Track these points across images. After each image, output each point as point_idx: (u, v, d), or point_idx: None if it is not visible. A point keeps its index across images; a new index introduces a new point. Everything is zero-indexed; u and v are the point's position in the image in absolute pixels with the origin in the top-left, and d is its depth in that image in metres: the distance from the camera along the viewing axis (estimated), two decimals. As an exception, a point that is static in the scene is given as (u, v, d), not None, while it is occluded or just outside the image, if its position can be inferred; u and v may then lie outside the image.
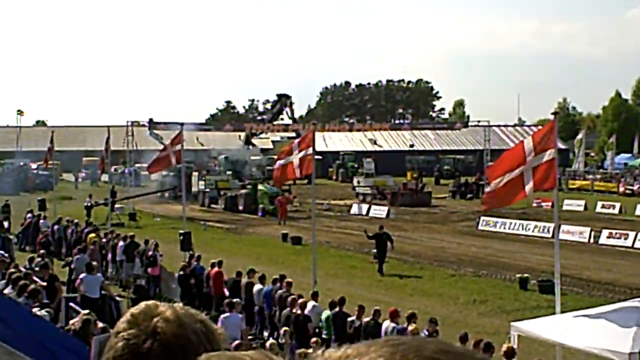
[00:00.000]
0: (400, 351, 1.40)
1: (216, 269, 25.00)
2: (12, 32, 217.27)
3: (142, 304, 2.24)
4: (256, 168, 68.25)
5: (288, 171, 23.34)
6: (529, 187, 16.48)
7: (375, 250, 34.89)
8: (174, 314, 2.15)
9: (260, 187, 58.35)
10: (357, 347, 1.44)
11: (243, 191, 60.51)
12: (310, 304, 20.14)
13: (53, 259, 30.83)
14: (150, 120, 68.41)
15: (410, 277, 32.79)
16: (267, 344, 16.27)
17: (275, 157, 25.58)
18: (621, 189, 70.56)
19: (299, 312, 19.47)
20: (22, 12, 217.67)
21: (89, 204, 51.58)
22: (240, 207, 59.06)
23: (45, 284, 20.67)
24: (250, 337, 22.36)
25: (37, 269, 24.27)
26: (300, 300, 19.84)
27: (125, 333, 2.14)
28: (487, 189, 18.24)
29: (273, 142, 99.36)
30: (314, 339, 17.87)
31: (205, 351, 2.03)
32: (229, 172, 67.31)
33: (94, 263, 24.24)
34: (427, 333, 16.80)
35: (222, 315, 19.52)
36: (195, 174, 67.62)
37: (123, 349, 2.11)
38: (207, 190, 64.30)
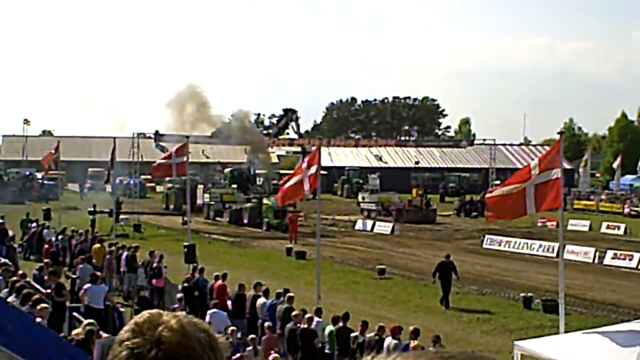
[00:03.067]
0: None
1: (220, 281, 24.98)
2: (19, 42, 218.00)
3: (146, 313, 2.22)
4: (262, 182, 68.22)
5: (297, 191, 23.47)
6: (530, 204, 16.49)
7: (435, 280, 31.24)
8: (178, 323, 2.14)
9: (265, 201, 58.36)
10: (406, 356, 1.47)
11: (248, 205, 60.52)
12: (315, 320, 20.09)
13: (62, 269, 31.01)
14: (156, 132, 68.56)
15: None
16: (270, 358, 16.26)
17: (283, 179, 25.33)
18: (626, 210, 70.46)
19: (305, 326, 19.50)
20: (29, 22, 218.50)
21: (93, 210, 51.65)
22: (245, 221, 59.09)
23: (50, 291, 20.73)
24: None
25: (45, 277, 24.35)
26: (307, 315, 19.89)
27: (130, 342, 2.12)
28: (488, 195, 18.24)
29: (278, 156, 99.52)
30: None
31: None
32: (234, 186, 67.37)
33: (99, 273, 24.23)
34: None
35: (209, 311, 20.94)
36: (200, 186, 67.68)
37: (127, 358, 2.10)
38: (212, 203, 64.32)
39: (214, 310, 21.21)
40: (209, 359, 2.08)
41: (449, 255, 32.27)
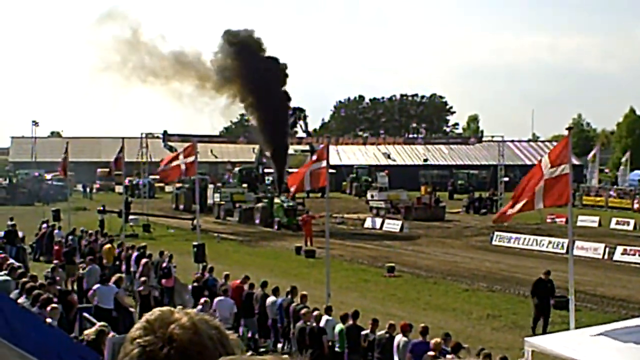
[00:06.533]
0: None
1: (237, 281, 24.82)
2: (27, 43, 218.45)
3: (157, 311, 2.22)
4: (270, 181, 68.21)
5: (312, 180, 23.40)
6: (538, 200, 16.44)
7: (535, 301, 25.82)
8: (189, 321, 2.15)
9: (276, 200, 58.26)
10: None
11: (259, 204, 60.36)
12: (324, 318, 20.02)
13: (76, 269, 31.05)
14: (165, 132, 68.58)
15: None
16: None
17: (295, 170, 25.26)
18: (635, 206, 70.26)
19: (314, 324, 19.46)
20: (38, 24, 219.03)
21: (102, 210, 51.67)
22: (257, 221, 58.97)
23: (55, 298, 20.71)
24: (262, 349, 22.42)
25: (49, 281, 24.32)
26: (315, 313, 19.83)
27: (142, 340, 2.12)
28: (510, 211, 17.98)
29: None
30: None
31: (220, 357, 2.03)
32: (244, 185, 67.37)
33: (119, 275, 24.33)
34: (449, 349, 16.57)
35: (217, 299, 21.74)
36: (210, 186, 67.71)
37: (139, 356, 2.10)
38: (222, 202, 64.33)
39: (221, 297, 21.98)
40: (221, 356, 2.09)
41: (548, 272, 26.27)
